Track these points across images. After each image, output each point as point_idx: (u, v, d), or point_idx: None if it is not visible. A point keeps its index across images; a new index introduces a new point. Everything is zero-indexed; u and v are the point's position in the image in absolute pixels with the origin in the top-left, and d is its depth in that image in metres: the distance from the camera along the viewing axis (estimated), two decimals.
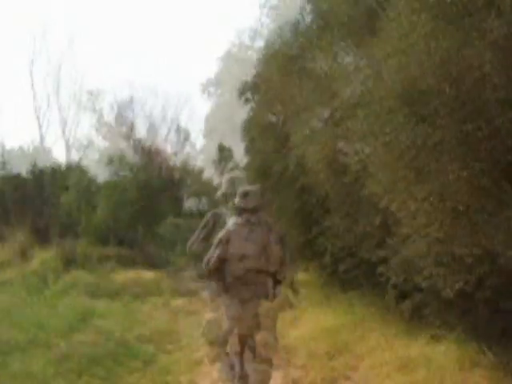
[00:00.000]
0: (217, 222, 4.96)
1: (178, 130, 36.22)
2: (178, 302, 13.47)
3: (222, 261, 4.69)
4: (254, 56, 9.35)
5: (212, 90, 14.03)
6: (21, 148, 27.43)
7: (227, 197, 5.11)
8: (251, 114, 13.35)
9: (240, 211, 4.83)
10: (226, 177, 5.27)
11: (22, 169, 25.40)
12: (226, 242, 4.68)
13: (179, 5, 49.24)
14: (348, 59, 7.71)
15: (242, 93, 13.64)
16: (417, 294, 6.50)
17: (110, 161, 21.19)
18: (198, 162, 30.33)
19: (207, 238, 4.93)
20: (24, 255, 17.56)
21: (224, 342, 5.00)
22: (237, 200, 4.83)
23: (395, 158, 3.51)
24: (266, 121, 11.35)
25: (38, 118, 19.62)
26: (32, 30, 35.59)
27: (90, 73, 56.68)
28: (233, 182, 5.09)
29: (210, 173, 15.44)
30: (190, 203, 23.17)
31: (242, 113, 9.33)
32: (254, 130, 12.46)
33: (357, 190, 7.71)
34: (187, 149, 36.00)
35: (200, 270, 4.92)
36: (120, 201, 19.47)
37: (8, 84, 52.64)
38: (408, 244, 5.34)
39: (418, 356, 5.95)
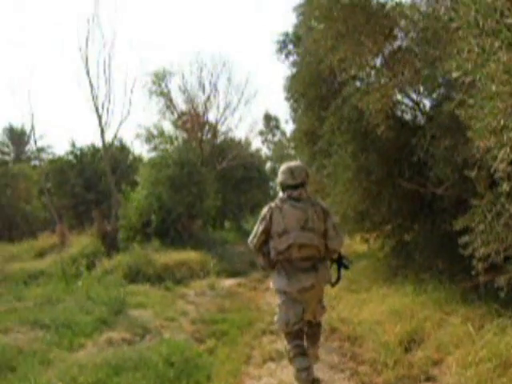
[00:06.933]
0: (273, 215, 4.67)
1: (268, 117, 35.40)
2: (226, 284, 12.36)
3: (267, 236, 4.70)
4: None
5: (291, 47, 12.13)
6: (93, 145, 26.44)
7: (284, 188, 4.81)
8: (294, 69, 12.03)
9: (284, 188, 4.81)
10: (284, 167, 4.88)
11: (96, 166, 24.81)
12: (269, 217, 4.68)
13: None
14: None
15: (283, 46, 12.43)
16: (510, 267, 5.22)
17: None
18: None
19: (266, 232, 4.68)
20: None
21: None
22: (281, 177, 4.84)
23: None
24: (313, 73, 9.94)
25: (96, 108, 18.08)
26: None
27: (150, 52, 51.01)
28: (291, 172, 4.77)
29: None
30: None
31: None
32: (299, 86, 11.05)
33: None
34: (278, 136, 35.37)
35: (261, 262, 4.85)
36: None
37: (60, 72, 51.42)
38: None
39: None
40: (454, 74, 2.79)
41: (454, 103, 4.60)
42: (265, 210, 4.78)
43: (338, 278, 4.95)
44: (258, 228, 4.75)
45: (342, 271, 4.97)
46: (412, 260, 8.78)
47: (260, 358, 6.12)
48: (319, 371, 5.33)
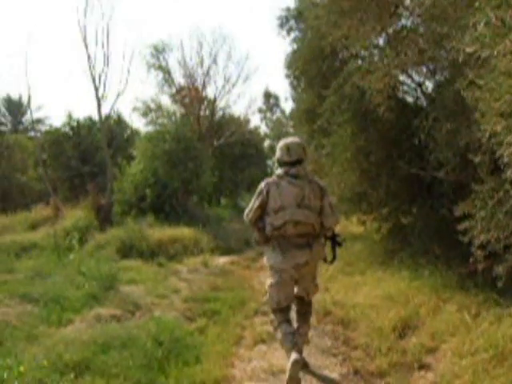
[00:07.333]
0: (270, 191, 4.74)
1: (267, 94, 35.05)
2: (219, 261, 12.23)
3: (262, 211, 4.76)
4: None
5: (293, 23, 11.72)
6: (90, 117, 25.85)
7: (281, 164, 4.85)
8: (295, 45, 11.73)
9: (281, 164, 4.85)
10: (281, 143, 4.91)
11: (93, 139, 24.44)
12: (266, 192, 4.72)
13: None
14: None
15: (284, 22, 12.10)
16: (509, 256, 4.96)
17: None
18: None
19: (262, 207, 4.74)
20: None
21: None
22: (278, 153, 4.87)
23: None
24: (314, 50, 9.73)
25: (93, 78, 17.76)
26: None
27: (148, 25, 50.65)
28: (287, 149, 4.78)
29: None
30: None
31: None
32: (300, 63, 10.88)
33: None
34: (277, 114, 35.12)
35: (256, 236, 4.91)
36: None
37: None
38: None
39: None
40: (469, 49, 2.60)
41: (465, 83, 4.38)
42: (262, 184, 4.82)
43: (334, 257, 5.02)
44: (254, 202, 4.80)
45: (337, 250, 5.03)
46: (408, 244, 8.58)
47: (251, 340, 5.96)
48: (310, 356, 5.25)
